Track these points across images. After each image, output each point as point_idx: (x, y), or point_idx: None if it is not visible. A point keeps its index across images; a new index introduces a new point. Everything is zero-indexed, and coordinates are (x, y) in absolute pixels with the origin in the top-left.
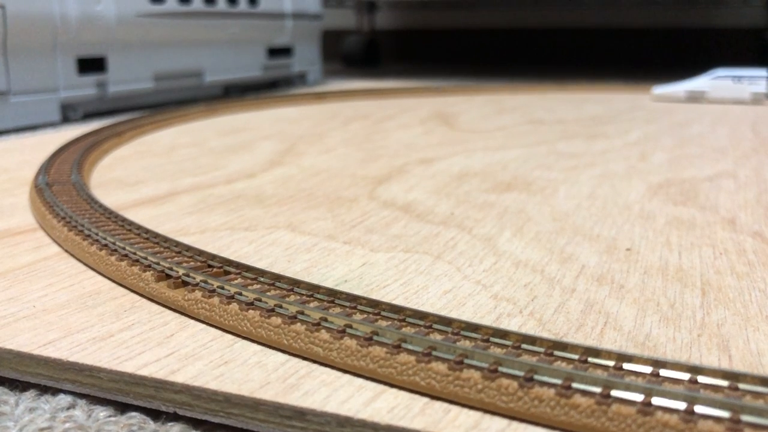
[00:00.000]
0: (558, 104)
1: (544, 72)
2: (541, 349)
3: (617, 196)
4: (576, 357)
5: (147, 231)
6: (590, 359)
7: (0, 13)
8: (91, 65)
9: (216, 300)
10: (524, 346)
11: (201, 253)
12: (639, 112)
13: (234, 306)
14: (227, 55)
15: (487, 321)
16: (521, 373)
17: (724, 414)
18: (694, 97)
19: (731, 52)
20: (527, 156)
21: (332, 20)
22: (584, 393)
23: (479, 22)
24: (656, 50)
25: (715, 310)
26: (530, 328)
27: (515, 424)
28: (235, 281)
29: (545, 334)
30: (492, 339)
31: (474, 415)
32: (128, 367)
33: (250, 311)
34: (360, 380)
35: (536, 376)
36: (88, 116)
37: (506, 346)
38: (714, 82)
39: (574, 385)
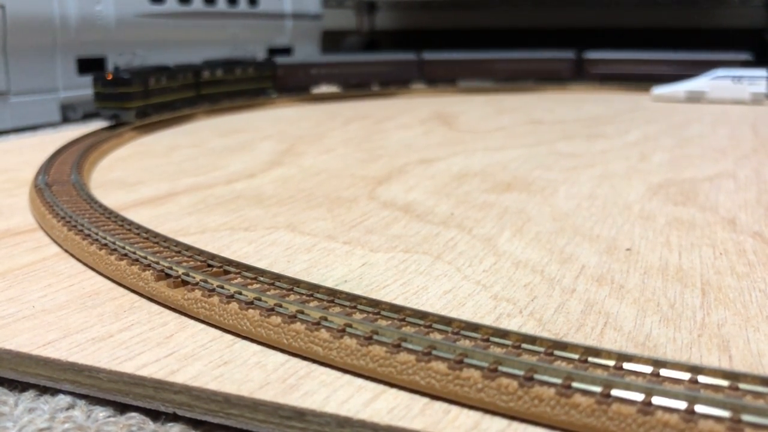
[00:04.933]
0: (558, 104)
1: None
2: (541, 349)
3: (617, 197)
4: (576, 357)
5: (147, 231)
6: (590, 359)
7: (0, 13)
8: (91, 65)
9: (216, 299)
10: (524, 345)
11: (201, 252)
12: (639, 112)
13: (234, 305)
14: (227, 56)
15: (487, 321)
16: (521, 373)
17: (725, 414)
18: (694, 98)
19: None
20: (527, 156)
21: (332, 20)
22: (584, 392)
23: (479, 22)
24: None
25: (715, 311)
26: (530, 329)
27: (515, 425)
28: (235, 281)
29: (545, 335)
30: (492, 339)
31: (474, 416)
32: (128, 368)
33: (250, 310)
34: (360, 380)
35: (536, 376)
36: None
37: (506, 346)
38: (714, 82)
39: (574, 384)
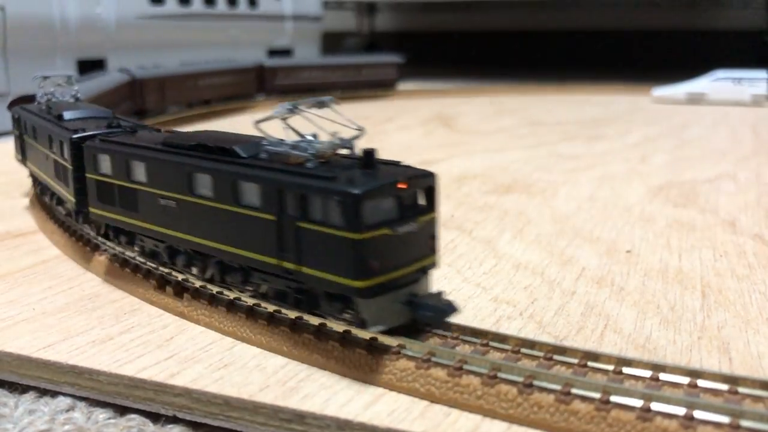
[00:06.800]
0: (558, 106)
1: (544, 73)
2: (541, 354)
3: (617, 198)
4: (575, 361)
5: None
6: (590, 363)
7: (0, 14)
8: (91, 67)
9: (216, 306)
10: (524, 350)
11: None
12: (639, 113)
13: (233, 312)
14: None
15: (487, 324)
16: (520, 379)
17: (724, 419)
18: (694, 99)
19: (731, 54)
20: (527, 158)
21: (332, 22)
22: (583, 399)
23: (479, 24)
24: (656, 52)
25: (715, 313)
26: (530, 331)
27: (515, 427)
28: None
29: (545, 337)
30: (492, 343)
31: (474, 419)
32: (128, 370)
33: (250, 317)
34: (360, 383)
35: (535, 382)
36: None
37: (506, 350)
38: (714, 83)
39: (574, 390)
